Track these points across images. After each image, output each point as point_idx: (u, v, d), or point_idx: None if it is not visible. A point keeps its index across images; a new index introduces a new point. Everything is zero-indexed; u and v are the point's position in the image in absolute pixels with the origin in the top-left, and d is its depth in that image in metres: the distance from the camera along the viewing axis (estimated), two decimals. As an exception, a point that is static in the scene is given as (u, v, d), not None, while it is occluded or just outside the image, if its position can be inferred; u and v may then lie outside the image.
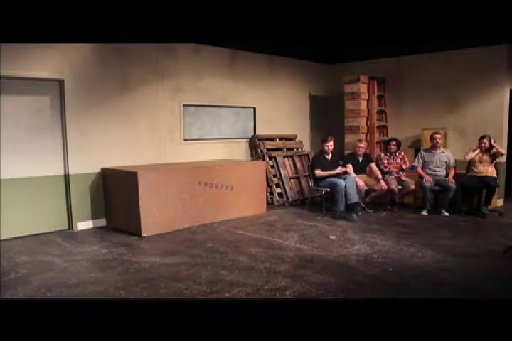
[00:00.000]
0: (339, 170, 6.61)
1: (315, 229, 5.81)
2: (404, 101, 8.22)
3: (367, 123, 8.03)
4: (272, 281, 3.86)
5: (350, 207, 6.37)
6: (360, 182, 6.48)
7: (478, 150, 6.59)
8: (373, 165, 6.96)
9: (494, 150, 6.59)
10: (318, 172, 6.68)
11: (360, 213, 6.56)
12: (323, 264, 4.34)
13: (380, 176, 6.75)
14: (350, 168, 6.69)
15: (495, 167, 6.75)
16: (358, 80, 7.82)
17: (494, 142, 6.58)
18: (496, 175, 6.68)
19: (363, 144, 7.01)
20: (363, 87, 7.86)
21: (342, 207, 6.40)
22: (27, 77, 5.38)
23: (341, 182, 6.34)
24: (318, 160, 6.83)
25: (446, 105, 7.59)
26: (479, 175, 6.63)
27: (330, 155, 6.82)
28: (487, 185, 6.48)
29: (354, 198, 6.36)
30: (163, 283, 3.87)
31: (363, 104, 7.92)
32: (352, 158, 7.00)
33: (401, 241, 5.15)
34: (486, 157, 6.65)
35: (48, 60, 5.49)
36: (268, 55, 8.05)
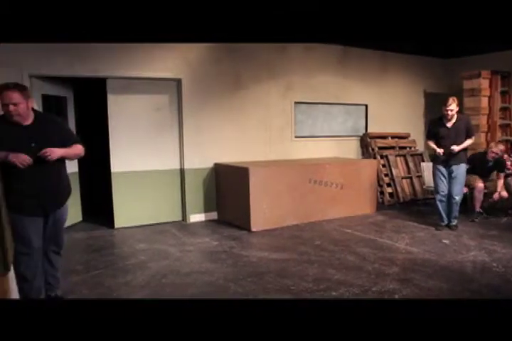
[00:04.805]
0: (438, 150, 5.46)
1: (427, 231, 5.59)
2: (533, 97, 7.55)
3: (488, 122, 7.52)
4: (380, 283, 3.81)
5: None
6: (480, 184, 6.02)
7: None
8: (502, 177, 6.13)
9: None
10: (430, 143, 5.69)
11: (477, 220, 6.10)
12: (435, 269, 4.17)
13: (499, 189, 6.10)
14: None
15: None
16: (478, 75, 7.36)
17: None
18: None
19: (496, 150, 6.07)
20: (484, 83, 7.38)
21: (444, 220, 5.74)
22: (150, 78, 5.84)
23: (443, 188, 5.58)
24: (431, 127, 5.72)
25: None
26: None
27: (452, 122, 5.51)
28: None
29: (454, 218, 5.70)
30: (271, 278, 3.98)
31: (484, 101, 7.43)
32: (480, 159, 6.18)
33: (524, 250, 4.77)
34: None
35: (168, 61, 5.91)
36: (380, 51, 7.86)
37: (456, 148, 5.38)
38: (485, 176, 6.22)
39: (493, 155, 6.11)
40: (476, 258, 4.52)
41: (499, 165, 6.19)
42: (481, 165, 6.15)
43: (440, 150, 5.44)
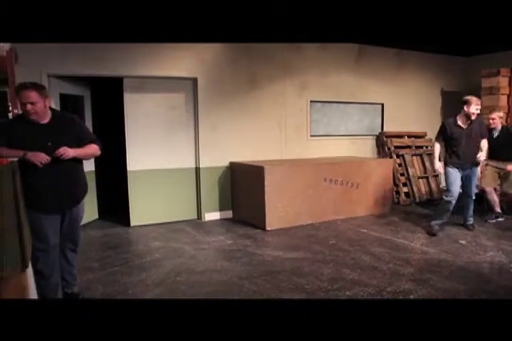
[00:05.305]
0: (438, 166, 5.34)
1: (443, 231, 5.52)
2: (553, 95, 7.41)
3: (506, 121, 7.40)
4: (395, 283, 3.78)
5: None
6: (487, 188, 5.86)
7: None
8: None
9: None
10: (436, 146, 5.46)
11: (494, 221, 5.95)
12: (451, 270, 4.13)
13: None
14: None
15: None
16: (497, 73, 7.24)
17: None
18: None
19: (495, 115, 5.74)
20: (503, 81, 7.25)
21: (443, 218, 5.44)
22: (166, 77, 5.88)
23: (455, 188, 5.26)
24: (444, 128, 5.31)
25: None
26: None
27: (467, 123, 5.21)
28: None
29: (470, 216, 5.55)
30: (285, 276, 3.98)
31: (503, 100, 7.31)
32: (488, 139, 5.59)
33: (543, 251, 4.69)
34: None
35: (184, 60, 5.96)
36: (397, 49, 7.80)
37: (482, 158, 5.23)
38: (500, 155, 5.85)
39: (493, 121, 5.79)
40: (493, 259, 4.45)
41: (508, 134, 5.81)
42: (493, 144, 5.77)
43: (440, 170, 5.35)
